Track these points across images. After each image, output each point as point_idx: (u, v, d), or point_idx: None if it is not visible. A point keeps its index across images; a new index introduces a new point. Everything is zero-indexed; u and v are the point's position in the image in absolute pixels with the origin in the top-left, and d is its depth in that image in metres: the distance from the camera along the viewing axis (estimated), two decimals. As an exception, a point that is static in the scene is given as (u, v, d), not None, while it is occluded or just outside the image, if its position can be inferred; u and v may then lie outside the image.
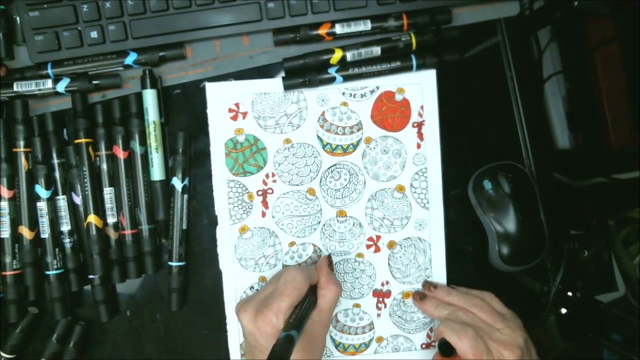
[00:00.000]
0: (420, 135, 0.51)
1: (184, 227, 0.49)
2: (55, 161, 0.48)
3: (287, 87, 0.49)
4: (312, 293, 0.43)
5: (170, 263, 0.49)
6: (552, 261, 0.53)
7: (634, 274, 0.55)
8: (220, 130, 0.50)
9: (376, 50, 0.48)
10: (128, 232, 0.48)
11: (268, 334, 0.40)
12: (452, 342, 0.46)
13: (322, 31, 0.48)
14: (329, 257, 0.46)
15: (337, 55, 0.48)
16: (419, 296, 0.51)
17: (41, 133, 0.47)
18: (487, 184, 0.49)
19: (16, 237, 0.47)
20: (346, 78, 0.49)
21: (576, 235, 0.53)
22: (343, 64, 0.48)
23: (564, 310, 0.53)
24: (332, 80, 0.49)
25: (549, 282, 0.53)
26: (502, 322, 0.46)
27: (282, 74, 0.50)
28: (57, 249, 0.48)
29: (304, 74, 0.48)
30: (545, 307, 0.52)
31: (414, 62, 0.49)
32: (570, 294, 0.53)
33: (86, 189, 0.47)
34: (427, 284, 0.51)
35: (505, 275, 0.52)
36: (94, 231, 0.47)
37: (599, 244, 0.53)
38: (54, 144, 0.47)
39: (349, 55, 0.48)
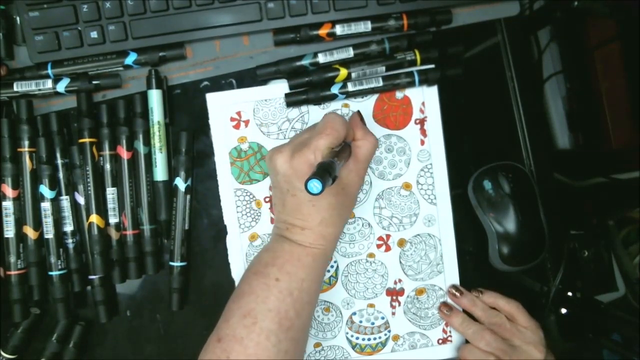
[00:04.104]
0: (423, 132, 0.51)
1: (186, 227, 0.49)
2: (59, 161, 0.47)
3: (290, 104, 0.49)
4: (348, 146, 0.42)
5: (171, 263, 0.49)
6: (552, 261, 0.53)
7: (634, 274, 0.55)
8: (223, 140, 0.50)
9: (381, 70, 0.48)
10: (129, 232, 0.48)
11: (304, 174, 0.39)
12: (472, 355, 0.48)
13: (322, 31, 0.48)
14: (359, 112, 0.45)
15: (342, 74, 0.48)
16: (446, 309, 0.51)
17: (45, 133, 0.47)
18: (487, 184, 0.49)
19: (21, 236, 0.47)
20: (348, 95, 0.49)
21: (576, 235, 0.53)
22: (346, 81, 0.49)
23: (564, 310, 0.53)
24: (333, 97, 0.49)
25: (549, 282, 0.53)
26: (520, 339, 0.47)
27: (277, 82, 0.50)
28: (60, 249, 0.48)
29: (307, 91, 0.48)
30: (545, 307, 0.52)
31: (417, 78, 0.49)
32: (570, 294, 0.53)
33: (89, 188, 0.47)
34: (454, 288, 0.51)
35: (505, 275, 0.52)
36: (95, 231, 0.47)
37: (599, 244, 0.53)
38: (58, 144, 0.47)
39: (354, 75, 0.48)
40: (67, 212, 0.48)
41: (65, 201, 0.48)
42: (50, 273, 0.47)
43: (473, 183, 0.50)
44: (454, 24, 0.50)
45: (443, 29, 0.50)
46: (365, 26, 0.48)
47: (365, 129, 0.44)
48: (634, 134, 0.51)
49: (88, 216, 0.47)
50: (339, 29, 0.48)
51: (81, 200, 0.48)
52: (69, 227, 0.48)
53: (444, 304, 0.52)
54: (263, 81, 0.50)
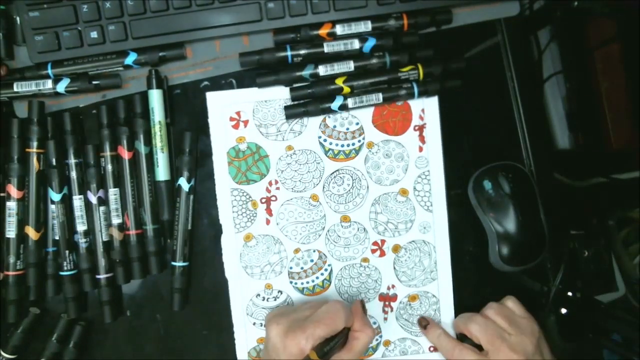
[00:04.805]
0: (422, 139, 0.51)
1: (189, 227, 0.49)
2: (73, 161, 0.47)
3: (289, 117, 0.49)
4: (344, 335, 0.44)
5: (173, 263, 0.49)
6: (552, 261, 0.53)
7: (634, 274, 0.55)
8: (222, 139, 0.50)
9: (383, 86, 0.49)
10: (133, 232, 0.48)
11: (292, 354, 0.40)
12: (464, 331, 0.48)
13: (322, 31, 0.48)
14: (362, 301, 0.46)
15: (345, 91, 0.48)
16: (423, 322, 0.51)
17: (55, 134, 0.47)
18: (487, 184, 0.49)
19: (22, 237, 0.47)
20: (349, 109, 0.49)
21: (576, 235, 0.53)
22: (346, 95, 0.49)
23: (564, 310, 0.53)
24: (333, 110, 0.49)
25: (549, 282, 0.53)
26: (515, 328, 0.46)
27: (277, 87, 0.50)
28: (67, 251, 0.48)
29: (306, 104, 0.49)
30: (545, 307, 0.52)
31: (416, 90, 0.49)
32: (570, 294, 0.53)
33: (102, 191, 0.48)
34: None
35: (505, 275, 0.52)
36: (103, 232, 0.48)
37: (599, 244, 0.53)
38: (71, 144, 0.47)
39: (356, 91, 0.48)
40: (80, 212, 0.48)
41: (78, 200, 0.48)
42: (61, 273, 0.48)
43: (473, 183, 0.50)
44: (454, 24, 0.50)
45: (443, 29, 0.50)
46: (366, 26, 0.48)
47: (364, 320, 0.44)
48: (634, 134, 0.51)
49: (108, 220, 0.48)
50: (339, 29, 0.48)
51: (93, 199, 0.48)
52: (82, 227, 0.48)
53: (422, 317, 0.52)
54: (263, 82, 0.50)
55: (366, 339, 0.43)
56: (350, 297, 0.52)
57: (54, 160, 0.47)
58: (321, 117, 0.50)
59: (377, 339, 0.52)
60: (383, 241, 0.52)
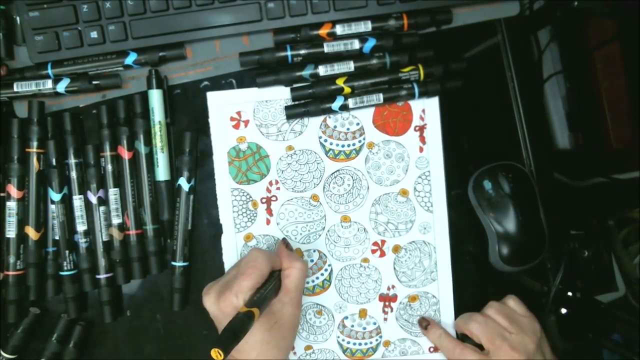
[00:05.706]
0: (422, 139, 0.51)
1: (189, 227, 0.49)
2: (73, 161, 0.47)
3: (290, 117, 0.49)
4: (277, 278, 0.43)
5: (173, 263, 0.49)
6: (552, 261, 0.53)
7: (634, 274, 0.55)
8: (222, 139, 0.50)
9: (384, 87, 0.49)
10: (133, 232, 0.48)
11: (229, 315, 0.40)
12: (464, 330, 0.48)
13: (322, 31, 0.48)
14: (284, 239, 0.46)
15: (345, 92, 0.48)
16: (424, 322, 0.51)
17: (55, 134, 0.47)
18: (487, 184, 0.49)
19: (22, 237, 0.47)
20: (349, 110, 0.49)
21: (576, 235, 0.53)
22: (347, 96, 0.49)
23: (564, 310, 0.53)
24: (333, 111, 0.49)
25: (549, 282, 0.53)
26: (516, 327, 0.46)
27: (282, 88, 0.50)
28: (67, 251, 0.48)
29: (307, 104, 0.49)
30: (545, 307, 0.52)
31: (417, 91, 0.49)
32: (570, 294, 0.53)
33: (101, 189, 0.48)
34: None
35: (505, 275, 0.52)
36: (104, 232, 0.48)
37: (599, 244, 0.53)
38: (71, 144, 0.47)
39: (357, 92, 0.49)
40: (80, 212, 0.48)
41: (78, 200, 0.48)
42: (61, 273, 0.48)
43: (473, 183, 0.50)
44: (454, 24, 0.50)
45: (443, 29, 0.50)
46: (366, 26, 0.48)
47: (291, 256, 0.44)
48: (634, 134, 0.51)
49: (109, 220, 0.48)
50: (339, 29, 0.48)
51: (93, 199, 0.48)
52: (82, 227, 0.48)
53: (423, 318, 0.52)
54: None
55: (297, 273, 0.43)
56: (350, 297, 0.52)
57: (54, 160, 0.47)
58: (322, 117, 0.50)
59: (377, 339, 0.52)
60: (383, 241, 0.52)
